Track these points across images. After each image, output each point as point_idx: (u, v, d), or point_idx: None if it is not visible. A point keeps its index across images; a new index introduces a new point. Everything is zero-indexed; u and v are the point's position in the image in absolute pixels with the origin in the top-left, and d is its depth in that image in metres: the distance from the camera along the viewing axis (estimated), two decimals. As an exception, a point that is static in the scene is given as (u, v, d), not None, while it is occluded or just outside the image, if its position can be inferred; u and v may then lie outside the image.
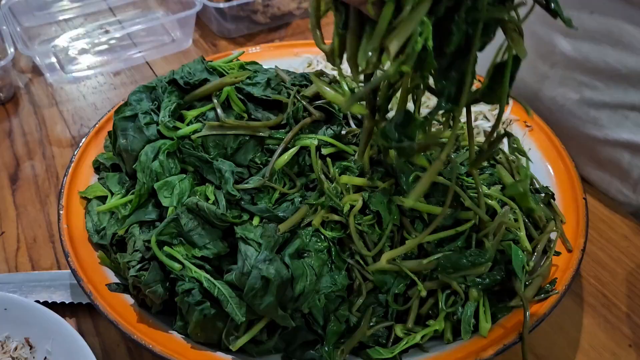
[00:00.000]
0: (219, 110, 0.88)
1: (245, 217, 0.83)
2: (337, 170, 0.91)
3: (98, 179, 0.99)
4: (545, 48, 1.18)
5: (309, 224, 0.84)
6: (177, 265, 0.79)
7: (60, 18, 1.61)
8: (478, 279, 0.80)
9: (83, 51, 1.49)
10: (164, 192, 0.84)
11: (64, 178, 1.01)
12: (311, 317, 0.83)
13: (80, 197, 0.98)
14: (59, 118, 1.31)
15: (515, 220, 0.89)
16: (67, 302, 0.95)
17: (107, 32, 1.54)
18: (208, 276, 0.78)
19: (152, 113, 0.91)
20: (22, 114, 1.32)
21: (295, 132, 0.90)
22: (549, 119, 1.17)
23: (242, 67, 0.99)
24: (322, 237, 0.84)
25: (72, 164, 1.03)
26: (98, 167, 1.01)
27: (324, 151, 0.92)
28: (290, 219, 0.83)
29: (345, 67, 0.73)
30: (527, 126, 1.16)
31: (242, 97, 0.91)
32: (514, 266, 0.80)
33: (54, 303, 0.95)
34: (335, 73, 1.21)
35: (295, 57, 1.37)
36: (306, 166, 0.93)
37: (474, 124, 1.12)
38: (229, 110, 0.90)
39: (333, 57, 0.69)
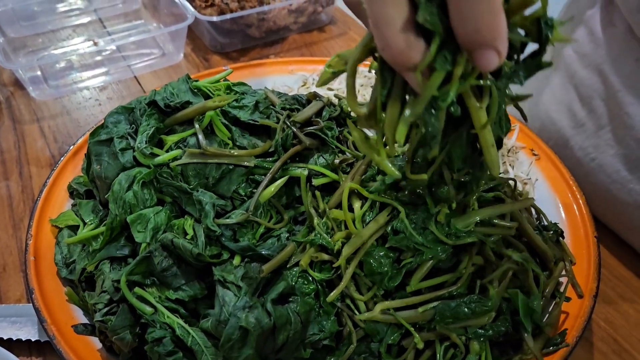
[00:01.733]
0: (200, 137, 0.81)
1: (226, 255, 0.76)
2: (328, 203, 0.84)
3: (72, 205, 0.92)
4: (586, 91, 1.03)
5: (297, 264, 0.77)
6: (148, 309, 0.72)
7: (48, 29, 1.54)
8: (480, 330, 0.73)
9: (69, 64, 1.42)
10: (137, 226, 0.77)
11: (35, 203, 0.94)
12: (296, 368, 0.75)
13: (52, 226, 0.91)
14: (39, 135, 1.24)
15: (519, 264, 0.81)
16: (33, 340, 0.88)
17: (95, 44, 1.48)
18: (182, 322, 0.71)
19: (129, 137, 0.84)
20: (1, 131, 1.25)
21: (283, 162, 0.82)
22: (575, 172, 1.04)
23: (229, 88, 0.92)
24: (310, 278, 0.77)
25: (45, 188, 0.96)
26: (73, 192, 0.94)
27: (315, 182, 0.85)
28: (275, 259, 0.76)
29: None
30: (534, 154, 1.08)
31: (227, 122, 0.84)
32: (522, 318, 0.73)
33: (19, 340, 0.88)
34: (330, 94, 1.14)
35: (290, 75, 1.30)
36: (295, 197, 0.86)
37: (477, 151, 1.05)
38: (212, 137, 0.83)
39: (369, 122, 0.64)
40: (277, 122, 0.88)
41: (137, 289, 0.73)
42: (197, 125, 0.82)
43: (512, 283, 0.78)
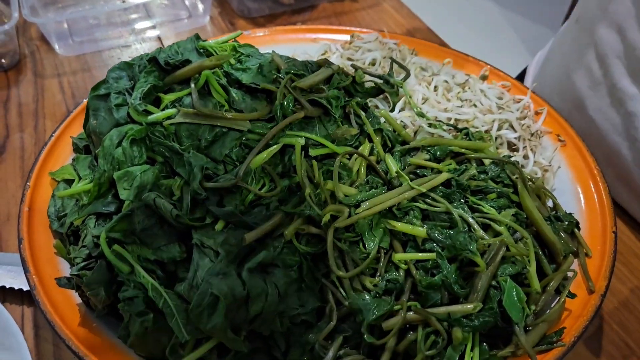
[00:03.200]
0: (194, 96, 0.78)
1: (209, 219, 0.73)
2: (324, 174, 0.80)
3: (72, 160, 0.91)
4: (604, 49, 1.00)
5: (282, 235, 0.74)
6: (125, 267, 0.71)
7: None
8: (465, 320, 0.68)
9: (96, 21, 1.42)
10: (123, 183, 0.75)
11: (38, 155, 0.94)
12: (272, 341, 0.73)
13: (52, 179, 0.91)
14: (58, 90, 1.25)
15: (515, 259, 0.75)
16: (25, 290, 0.88)
17: (123, 1, 1.47)
18: (156, 284, 0.69)
19: (127, 93, 0.83)
20: (22, 83, 1.27)
21: (280, 128, 0.79)
22: (589, 135, 1.02)
23: (234, 49, 0.89)
24: (295, 250, 0.74)
25: (50, 141, 0.96)
26: (75, 147, 0.93)
27: (312, 152, 0.81)
28: (259, 228, 0.73)
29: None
30: (560, 140, 1.01)
31: (225, 84, 0.81)
32: (506, 306, 0.67)
33: (12, 289, 0.89)
34: (347, 63, 1.09)
35: (313, 44, 1.26)
36: (292, 167, 0.82)
37: (497, 132, 0.98)
38: (208, 98, 0.80)
39: None
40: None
41: (116, 246, 0.71)
42: (192, 85, 0.79)
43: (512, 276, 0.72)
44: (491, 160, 0.88)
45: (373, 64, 1.14)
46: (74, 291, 0.76)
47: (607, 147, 1.03)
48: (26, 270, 0.76)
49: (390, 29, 1.43)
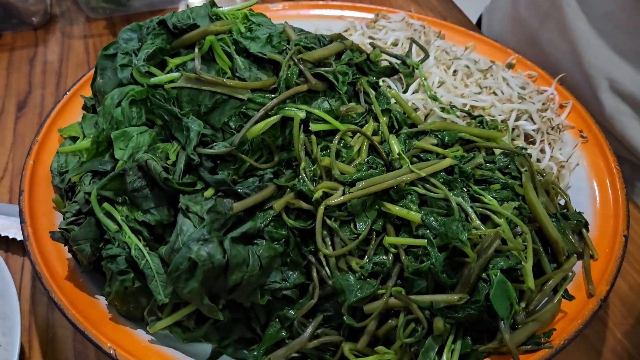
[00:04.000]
0: (196, 62, 0.77)
1: (200, 186, 0.73)
2: (322, 150, 0.79)
3: (81, 118, 0.92)
4: None
5: (272, 207, 0.73)
6: (113, 226, 0.71)
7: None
8: (448, 310, 0.65)
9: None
10: (119, 143, 0.75)
11: (50, 111, 0.96)
12: (253, 313, 0.72)
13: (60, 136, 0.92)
14: (83, 51, 1.27)
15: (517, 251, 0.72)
16: (18, 239, 0.90)
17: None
18: (140, 245, 0.69)
19: (133, 55, 0.82)
20: (49, 42, 1.29)
21: (281, 100, 0.77)
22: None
23: (246, 17, 0.87)
24: (283, 224, 0.72)
25: (63, 99, 0.97)
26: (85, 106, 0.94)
27: (313, 127, 0.79)
28: (249, 199, 0.72)
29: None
30: (582, 137, 0.96)
31: (229, 51, 0.80)
32: (492, 300, 0.64)
33: (14, 240, 0.91)
34: (366, 41, 1.06)
35: (338, 20, 1.23)
36: (292, 140, 0.81)
37: (515, 123, 0.94)
38: (212, 64, 0.79)
39: None
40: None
41: (106, 204, 0.72)
42: (196, 50, 0.78)
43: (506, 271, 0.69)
44: (501, 151, 0.84)
45: (395, 44, 1.11)
46: (65, 246, 0.77)
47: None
48: (22, 221, 0.78)
49: (422, 13, 1.39)
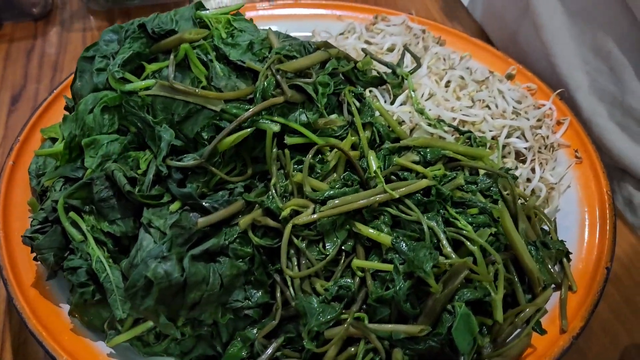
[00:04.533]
0: (170, 70, 0.75)
1: (167, 198, 0.72)
2: (297, 165, 0.77)
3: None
4: None
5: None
6: (78, 236, 0.70)
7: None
8: (409, 341, 0.63)
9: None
10: (90, 150, 0.74)
11: (34, 110, 0.95)
12: (216, 330, 0.71)
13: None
14: (80, 44, 1.26)
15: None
16: None
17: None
18: (102, 257, 0.68)
19: (111, 58, 0.81)
20: (48, 34, 1.29)
21: (255, 112, 0.75)
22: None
23: (229, 22, 0.85)
24: (249, 242, 0.71)
25: (49, 97, 0.97)
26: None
27: (288, 140, 0.77)
28: (215, 214, 0.70)
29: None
30: (577, 157, 0.91)
31: (205, 59, 0.78)
32: (454, 334, 0.62)
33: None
34: (360, 47, 1.03)
35: (337, 21, 1.20)
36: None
37: (506, 140, 0.90)
38: (188, 72, 0.77)
39: None
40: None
41: (72, 214, 0.71)
42: (171, 57, 0.76)
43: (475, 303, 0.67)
44: (485, 171, 0.81)
45: (391, 50, 1.07)
46: (37, 250, 0.77)
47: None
48: (-6, 224, 0.78)
49: (427, 12, 1.35)
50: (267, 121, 0.76)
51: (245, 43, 0.82)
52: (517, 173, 0.88)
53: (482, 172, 0.81)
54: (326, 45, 0.88)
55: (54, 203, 0.73)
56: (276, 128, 0.76)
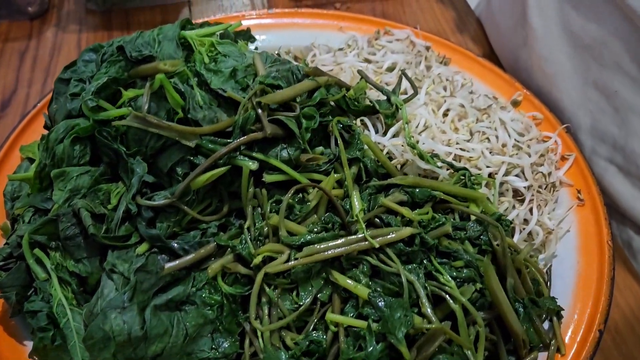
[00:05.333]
0: (144, 99, 0.71)
1: (135, 239, 0.69)
2: (273, 205, 0.73)
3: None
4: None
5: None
6: (42, 274, 0.68)
7: None
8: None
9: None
10: (59, 183, 0.71)
11: (16, 125, 0.93)
12: (181, 379, 0.68)
13: (26, 151, 0.89)
14: (75, 46, 1.23)
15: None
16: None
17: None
18: (64, 301, 0.66)
19: (87, 82, 0.78)
20: (43, 35, 1.25)
21: (231, 149, 0.71)
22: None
23: (213, 45, 0.81)
24: (219, 289, 0.68)
25: (32, 112, 0.94)
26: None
27: (267, 178, 0.73)
28: (182, 260, 0.67)
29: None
30: (579, 199, 0.86)
31: (185, 90, 0.73)
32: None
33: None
34: (357, 66, 0.98)
35: (339, 33, 1.14)
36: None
37: (504, 177, 0.85)
38: (164, 102, 0.73)
39: None
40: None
41: (37, 250, 0.69)
42: (147, 86, 0.72)
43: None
44: (475, 217, 0.76)
45: (392, 69, 1.02)
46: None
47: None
48: (-38, 251, 0.75)
49: (436, 23, 1.29)
50: (244, 158, 0.72)
51: (228, 70, 0.78)
52: (513, 214, 0.83)
53: (472, 217, 0.77)
54: (316, 72, 0.83)
55: (19, 238, 0.70)
56: (253, 166, 0.72)
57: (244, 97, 0.75)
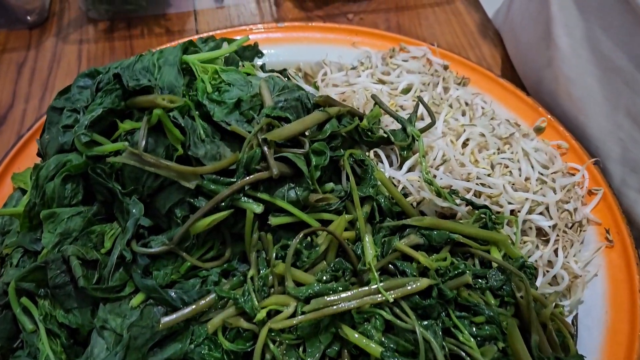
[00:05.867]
0: (142, 133, 0.66)
1: (129, 289, 0.64)
2: (278, 250, 0.67)
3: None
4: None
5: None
6: (29, 326, 0.63)
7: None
8: None
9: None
10: (49, 224, 0.66)
11: (9, 150, 0.88)
12: None
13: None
14: (75, 58, 1.18)
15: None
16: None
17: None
18: (51, 356, 0.61)
19: (81, 112, 0.72)
20: (42, 45, 1.20)
21: (234, 190, 0.66)
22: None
23: (216, 73, 0.75)
24: (220, 345, 0.63)
25: (26, 135, 0.90)
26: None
27: (273, 221, 0.68)
28: (180, 313, 0.62)
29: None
30: (608, 239, 0.80)
31: (181, 123, 0.68)
32: None
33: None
34: (373, 88, 0.92)
35: (351, 48, 1.08)
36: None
37: (526, 216, 0.79)
38: (162, 138, 0.68)
39: None
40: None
41: (24, 299, 0.64)
42: (144, 120, 0.67)
43: None
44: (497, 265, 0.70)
45: (407, 90, 0.96)
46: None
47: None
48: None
49: (454, 36, 1.22)
50: (249, 200, 0.67)
51: (232, 101, 0.72)
52: (536, 255, 0.78)
53: (494, 264, 0.71)
54: (327, 101, 0.78)
55: (6, 285, 0.65)
56: (258, 209, 0.67)
57: (249, 132, 0.70)
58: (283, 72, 1.02)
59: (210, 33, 1.07)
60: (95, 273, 0.64)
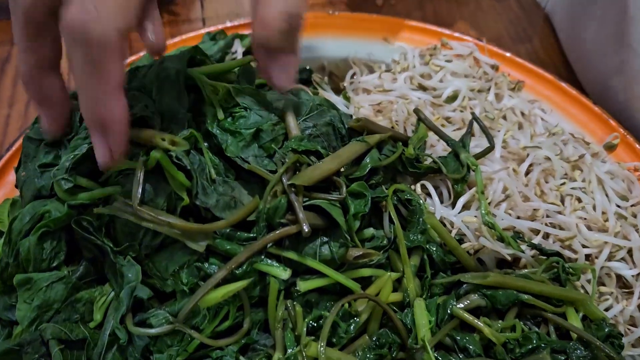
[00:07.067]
0: (136, 180, 0.52)
1: (125, 378, 0.51)
2: (313, 321, 0.54)
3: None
4: None
5: (224, 418, 0.50)
6: (1, 423, 0.51)
7: None
8: None
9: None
10: (24, 293, 0.53)
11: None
12: None
13: None
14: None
15: None
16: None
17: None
18: None
19: (64, 148, 0.58)
20: (28, 39, 1.05)
21: (253, 252, 0.52)
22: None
23: (229, 94, 0.60)
24: None
25: (7, 155, 0.76)
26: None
27: (302, 286, 0.54)
28: (188, 412, 0.49)
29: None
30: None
31: (188, 166, 0.54)
32: None
33: None
34: (407, 92, 0.77)
35: (384, 44, 0.93)
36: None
37: (605, 262, 0.65)
38: (162, 184, 0.54)
39: None
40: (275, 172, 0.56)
41: (-5, 390, 0.51)
42: (140, 162, 0.53)
43: None
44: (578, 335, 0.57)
45: (454, 98, 0.81)
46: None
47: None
48: None
49: (505, 30, 1.06)
50: (272, 262, 0.53)
51: (250, 131, 0.58)
52: (616, 309, 0.64)
53: (573, 334, 0.57)
54: (365, 126, 0.63)
55: (-27, 370, 0.53)
56: (285, 275, 0.53)
57: (271, 171, 0.56)
58: (303, 72, 0.87)
59: (220, 27, 0.92)
60: (82, 356, 0.51)
